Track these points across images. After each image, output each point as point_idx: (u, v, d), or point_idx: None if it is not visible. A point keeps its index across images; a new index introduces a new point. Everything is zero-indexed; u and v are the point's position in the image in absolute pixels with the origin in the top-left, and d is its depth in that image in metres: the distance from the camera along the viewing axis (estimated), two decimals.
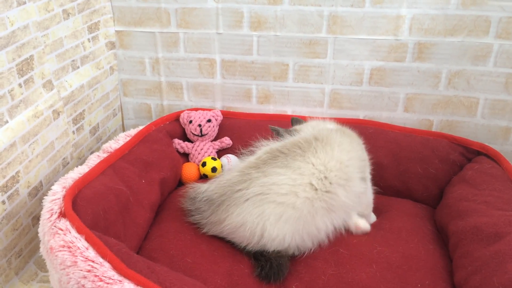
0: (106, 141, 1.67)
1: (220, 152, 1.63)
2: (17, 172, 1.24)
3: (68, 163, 1.49)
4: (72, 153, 1.50)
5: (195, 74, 1.71)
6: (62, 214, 1.00)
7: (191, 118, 1.59)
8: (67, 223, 0.97)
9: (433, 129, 1.67)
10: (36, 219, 1.36)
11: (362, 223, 1.26)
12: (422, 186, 1.50)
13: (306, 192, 1.13)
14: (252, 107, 1.75)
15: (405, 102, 1.64)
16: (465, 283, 1.06)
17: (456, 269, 1.12)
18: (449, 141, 1.52)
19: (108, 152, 1.37)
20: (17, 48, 1.19)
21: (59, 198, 1.05)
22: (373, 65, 1.60)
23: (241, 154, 1.28)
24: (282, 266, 1.12)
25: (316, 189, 1.14)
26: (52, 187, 1.09)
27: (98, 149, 1.65)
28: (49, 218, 1.00)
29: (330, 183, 1.16)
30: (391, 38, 1.54)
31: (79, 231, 0.95)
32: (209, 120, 1.59)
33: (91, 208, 1.07)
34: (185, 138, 1.64)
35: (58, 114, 1.39)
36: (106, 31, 1.63)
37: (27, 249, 1.34)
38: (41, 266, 1.37)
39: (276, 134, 1.38)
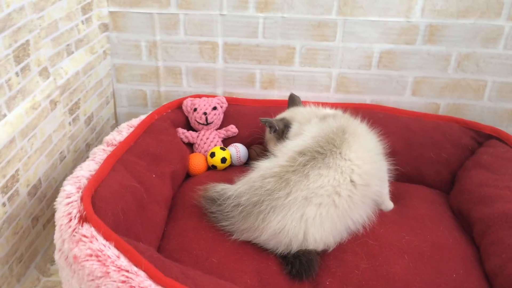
0: (100, 132, 1.57)
1: (226, 141, 1.55)
2: (17, 171, 1.12)
3: (65, 157, 1.37)
4: (69, 146, 1.39)
5: (195, 58, 1.62)
6: (83, 219, 0.91)
7: (196, 106, 1.50)
8: (92, 229, 0.88)
9: (440, 113, 1.65)
10: (36, 220, 1.25)
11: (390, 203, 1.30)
12: (435, 171, 1.48)
13: (348, 190, 1.09)
14: (255, 92, 1.67)
15: (413, 86, 1.61)
16: (500, 271, 1.04)
17: (488, 257, 1.11)
18: (460, 125, 1.50)
19: (112, 145, 1.26)
20: (13, 33, 1.07)
21: (75, 201, 0.95)
22: (383, 48, 1.55)
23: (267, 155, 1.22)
24: (313, 261, 1.07)
25: (356, 185, 1.10)
26: (65, 188, 0.99)
27: (93, 140, 1.55)
28: (68, 223, 0.91)
29: (367, 175, 1.12)
30: (403, 20, 1.49)
31: (106, 238, 0.87)
32: (214, 108, 1.51)
33: (110, 209, 0.98)
34: (188, 127, 1.55)
35: (55, 104, 1.27)
36: (99, 12, 1.51)
37: (27, 253, 1.23)
38: (43, 270, 1.27)
39: (269, 127, 1.33)
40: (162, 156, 1.32)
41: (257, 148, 1.51)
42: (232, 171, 1.45)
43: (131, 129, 1.35)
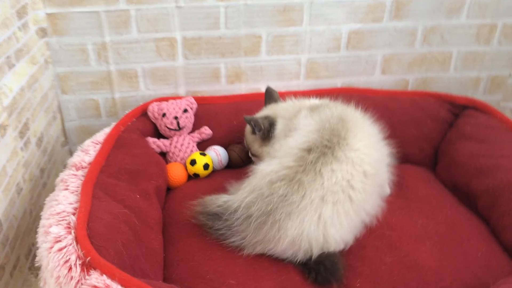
0: (51, 153, 1.37)
1: (200, 145, 1.41)
2: None
3: (22, 189, 1.16)
4: (24, 175, 1.18)
5: (152, 57, 1.45)
6: (88, 265, 0.74)
7: (164, 111, 1.34)
8: (103, 277, 0.72)
9: (409, 88, 1.64)
10: (2, 268, 1.04)
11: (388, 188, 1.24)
12: (418, 148, 1.46)
13: (361, 181, 1.01)
14: (221, 88, 1.54)
15: (382, 64, 1.57)
16: None
17: (502, 229, 1.09)
18: (436, 99, 1.49)
19: (82, 168, 1.08)
20: None
21: (70, 244, 0.78)
22: (351, 28, 1.49)
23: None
24: (338, 264, 0.99)
25: (368, 175, 1.02)
26: (50, 230, 0.81)
27: (46, 164, 1.34)
28: (68, 274, 0.74)
29: (377, 163, 1.06)
30: None
31: (124, 284, 0.71)
32: (185, 110, 1.36)
33: (111, 247, 0.82)
34: (157, 134, 1.39)
35: (5, 130, 1.06)
36: (35, 15, 1.29)
37: None
38: None
39: (254, 126, 1.22)
40: (140, 172, 1.16)
41: (236, 148, 1.40)
42: (217, 177, 1.32)
43: (98, 146, 1.18)
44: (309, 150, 1.02)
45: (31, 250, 1.22)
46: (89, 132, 1.53)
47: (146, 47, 1.43)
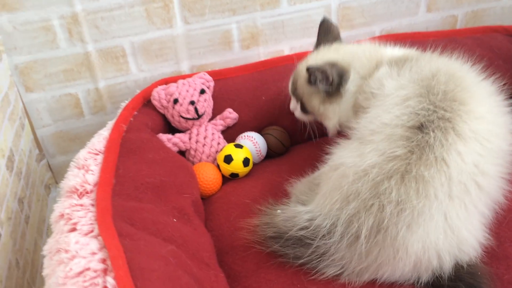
0: (27, 175, 1.02)
1: (226, 134, 1.08)
2: None
3: (0, 235, 0.80)
4: (0, 215, 0.82)
5: (142, 27, 1.08)
6: None
7: (175, 96, 0.99)
8: None
9: (458, 26, 1.34)
10: None
11: None
12: None
13: (491, 163, 0.71)
14: (235, 56, 1.20)
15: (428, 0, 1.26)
16: None
17: None
18: (503, 34, 1.21)
19: (87, 193, 0.74)
20: None
21: None
22: None
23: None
24: (482, 277, 0.70)
25: (498, 153, 0.73)
26: None
27: (24, 191, 0.98)
28: None
29: (507, 132, 0.76)
30: None
31: None
32: (202, 91, 1.01)
33: None
34: (169, 128, 1.05)
35: None
36: None
37: None
38: None
39: (321, 77, 0.87)
40: (166, 184, 0.83)
41: (273, 131, 1.08)
42: (260, 173, 1.00)
43: (100, 157, 0.82)
44: (420, 128, 0.70)
45: None
46: (71, 138, 1.17)
47: (133, 13, 1.06)
